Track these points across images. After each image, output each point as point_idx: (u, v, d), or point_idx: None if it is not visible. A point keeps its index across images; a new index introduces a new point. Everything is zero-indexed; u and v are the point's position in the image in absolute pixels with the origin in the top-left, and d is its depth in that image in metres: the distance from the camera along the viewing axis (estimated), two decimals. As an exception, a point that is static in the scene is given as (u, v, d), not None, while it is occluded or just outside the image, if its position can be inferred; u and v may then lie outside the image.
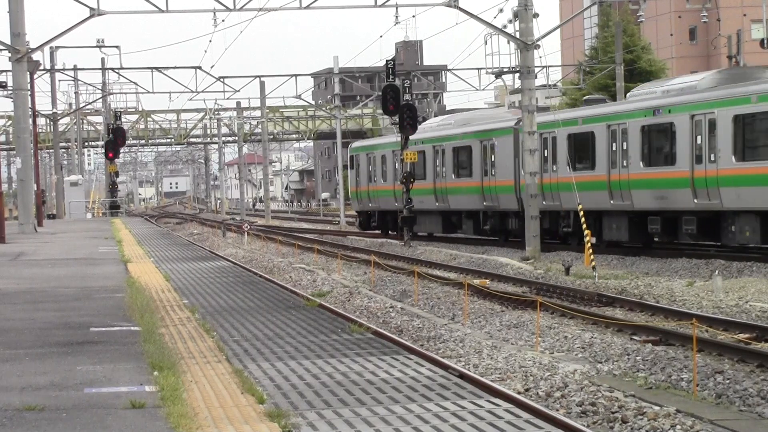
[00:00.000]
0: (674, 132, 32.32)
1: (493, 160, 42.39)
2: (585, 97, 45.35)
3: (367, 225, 56.73)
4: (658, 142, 33.35)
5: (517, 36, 37.98)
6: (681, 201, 32.06)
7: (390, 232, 52.69)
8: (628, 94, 39.02)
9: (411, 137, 47.48)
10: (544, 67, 69.67)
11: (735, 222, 30.33)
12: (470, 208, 44.61)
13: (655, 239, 35.39)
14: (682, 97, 32.53)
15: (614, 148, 35.12)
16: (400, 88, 44.81)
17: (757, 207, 29.27)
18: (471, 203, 44.31)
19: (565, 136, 37.70)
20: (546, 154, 38.67)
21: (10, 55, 44.35)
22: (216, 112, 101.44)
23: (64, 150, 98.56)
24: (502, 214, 42.56)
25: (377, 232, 54.80)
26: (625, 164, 34.48)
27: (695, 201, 31.47)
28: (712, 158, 30.74)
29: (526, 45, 37.02)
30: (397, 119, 45.10)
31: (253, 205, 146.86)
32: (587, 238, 30.88)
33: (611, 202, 34.94)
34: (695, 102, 31.72)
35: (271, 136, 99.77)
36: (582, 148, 36.24)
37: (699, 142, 31.27)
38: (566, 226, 38.22)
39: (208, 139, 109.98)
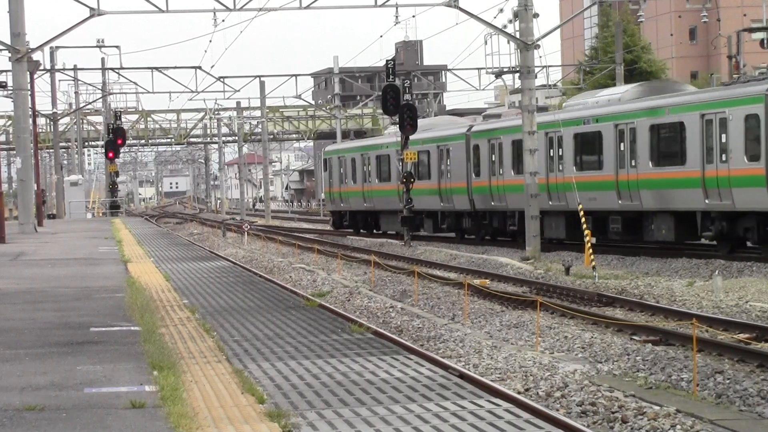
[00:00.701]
0: (601, 140, 35.72)
1: (449, 164, 45.83)
2: None
3: (339, 224, 59.34)
4: (589, 149, 36.63)
5: (517, 36, 37.98)
6: (608, 202, 35.34)
7: (361, 230, 55.92)
8: (564, 104, 41.86)
9: (379, 142, 53.52)
10: (544, 67, 69.73)
11: (654, 221, 33.58)
12: (430, 208, 47.73)
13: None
14: (607, 108, 36.03)
15: (551, 154, 38.44)
16: (400, 88, 44.81)
17: (671, 207, 32.64)
18: (430, 204, 47.42)
19: (509, 142, 41.02)
20: (494, 159, 42.41)
21: (10, 55, 44.36)
22: (216, 112, 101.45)
23: (64, 150, 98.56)
24: (457, 214, 45.93)
25: (350, 230, 57.82)
26: (561, 168, 37.76)
27: (620, 202, 34.79)
28: (633, 164, 34.26)
29: (526, 45, 37.02)
30: (398, 119, 45.13)
31: (253, 205, 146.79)
32: (587, 239, 30.90)
33: (550, 203, 37.92)
34: (618, 113, 35.23)
35: (271, 136, 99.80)
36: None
37: (622, 148, 34.75)
38: (512, 225, 41.58)
39: (208, 139, 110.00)
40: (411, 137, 47.34)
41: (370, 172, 53.35)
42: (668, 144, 32.57)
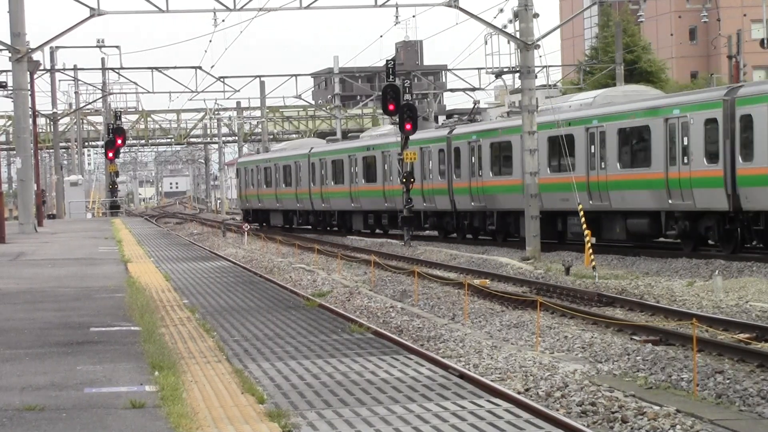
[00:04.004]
0: (375, 162, 52.09)
1: (299, 176, 62.70)
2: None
3: (247, 220, 73.60)
4: (371, 169, 52.59)
5: (517, 36, 37.97)
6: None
7: (262, 224, 70.87)
8: (361, 135, 60.62)
9: (267, 156, 70.48)
10: (544, 67, 69.63)
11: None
12: (292, 208, 64.81)
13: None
14: (378, 140, 53.13)
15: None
16: (400, 88, 44.80)
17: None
18: (292, 204, 64.36)
19: (331, 162, 57.85)
20: (323, 173, 58.67)
21: (10, 55, 44.37)
22: (216, 112, 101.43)
23: (64, 150, 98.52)
24: (307, 212, 63.05)
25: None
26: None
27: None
28: (391, 178, 50.18)
29: (526, 45, 37.01)
30: (397, 119, 45.16)
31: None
32: (587, 238, 30.90)
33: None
34: (384, 144, 51.70)
35: (271, 136, 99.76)
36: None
37: (386, 168, 51.19)
38: (333, 220, 58.17)
39: (208, 139, 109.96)
40: (282, 154, 66.18)
41: (260, 180, 69.90)
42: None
